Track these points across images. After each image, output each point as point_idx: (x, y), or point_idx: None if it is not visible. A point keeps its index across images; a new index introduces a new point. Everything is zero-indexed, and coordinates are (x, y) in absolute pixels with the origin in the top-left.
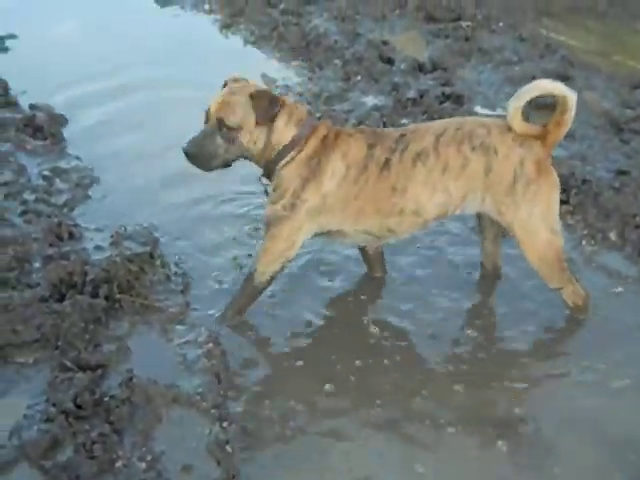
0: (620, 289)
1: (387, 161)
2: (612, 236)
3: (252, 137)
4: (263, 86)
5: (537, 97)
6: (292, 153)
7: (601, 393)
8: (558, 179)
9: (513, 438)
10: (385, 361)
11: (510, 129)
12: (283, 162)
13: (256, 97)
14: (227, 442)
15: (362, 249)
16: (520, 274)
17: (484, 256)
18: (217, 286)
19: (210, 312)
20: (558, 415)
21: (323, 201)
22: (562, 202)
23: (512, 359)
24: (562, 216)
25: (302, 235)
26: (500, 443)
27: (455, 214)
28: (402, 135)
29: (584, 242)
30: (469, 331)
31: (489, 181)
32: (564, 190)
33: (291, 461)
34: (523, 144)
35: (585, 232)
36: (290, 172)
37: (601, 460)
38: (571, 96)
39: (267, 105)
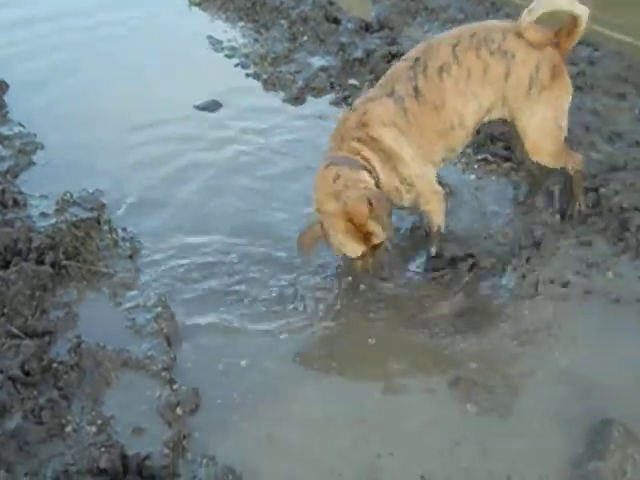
0: (561, 241)
1: (415, 88)
2: (556, 191)
3: None
4: None
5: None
6: None
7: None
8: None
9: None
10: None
11: (520, 34)
12: None
13: None
14: (178, 404)
15: None
16: None
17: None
18: (165, 251)
19: (158, 276)
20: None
21: (415, 159)
22: (506, 159)
23: None
24: (507, 173)
25: (434, 177)
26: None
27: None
28: (416, 59)
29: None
30: None
31: (508, 85)
32: (507, 148)
33: (241, 421)
34: (539, 47)
35: (529, 188)
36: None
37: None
38: (584, 14)
39: None
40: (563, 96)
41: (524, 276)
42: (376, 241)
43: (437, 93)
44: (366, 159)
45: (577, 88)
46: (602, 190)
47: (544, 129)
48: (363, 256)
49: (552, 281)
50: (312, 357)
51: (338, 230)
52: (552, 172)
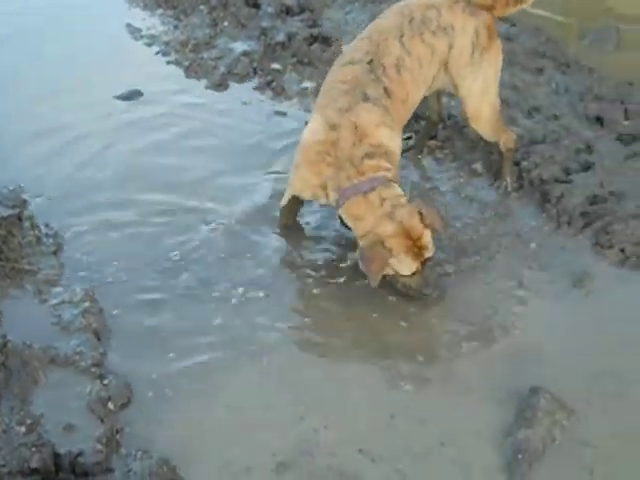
0: (486, 215)
1: (385, 89)
2: (477, 167)
3: None
4: None
5: None
6: None
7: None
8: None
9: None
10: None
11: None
12: None
13: None
14: (109, 399)
15: None
16: None
17: (430, 111)
18: (90, 245)
19: (84, 271)
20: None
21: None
22: (431, 137)
23: None
24: (431, 151)
25: None
26: None
27: None
28: (370, 61)
29: (453, 174)
30: None
31: (451, 57)
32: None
33: (174, 412)
34: (473, 13)
35: (454, 164)
36: None
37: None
38: None
39: None
40: (499, 55)
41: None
42: (428, 255)
43: (401, 88)
44: (387, 169)
45: None
46: (523, 163)
47: (485, 93)
48: (415, 273)
49: (477, 253)
50: (246, 342)
51: (400, 250)
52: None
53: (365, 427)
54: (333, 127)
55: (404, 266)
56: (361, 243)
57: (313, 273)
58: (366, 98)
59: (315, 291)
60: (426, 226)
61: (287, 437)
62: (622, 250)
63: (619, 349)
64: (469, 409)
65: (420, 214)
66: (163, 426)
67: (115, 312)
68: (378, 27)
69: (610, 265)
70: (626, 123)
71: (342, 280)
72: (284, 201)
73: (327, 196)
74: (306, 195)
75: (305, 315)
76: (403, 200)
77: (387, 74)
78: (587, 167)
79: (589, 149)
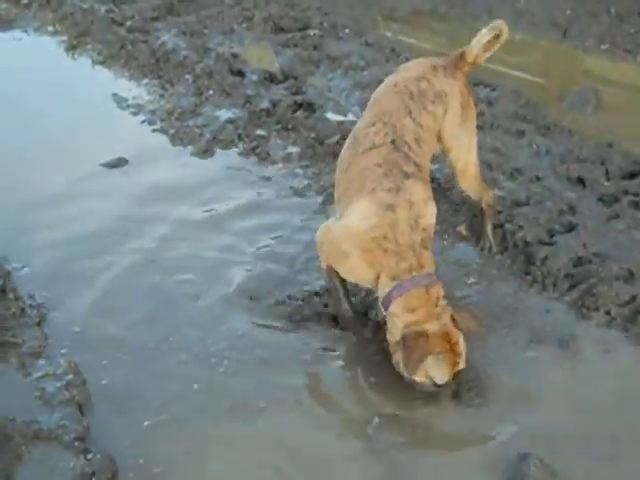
0: (472, 279)
1: (416, 164)
2: (462, 230)
3: None
4: None
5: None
6: None
7: None
8: None
9: None
10: None
11: (434, 67)
12: None
13: None
14: (93, 474)
15: None
16: None
17: None
18: (73, 315)
19: (68, 342)
20: None
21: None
22: None
23: None
24: None
25: None
26: None
27: None
28: (393, 141)
29: (438, 236)
30: None
31: (447, 120)
32: None
33: None
34: (454, 76)
35: (438, 227)
36: None
37: None
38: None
39: None
40: (474, 110)
41: None
42: (461, 365)
43: (424, 159)
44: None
45: (478, 128)
46: (507, 225)
47: (471, 148)
48: (443, 385)
49: None
50: (232, 409)
51: (441, 350)
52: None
53: None
54: (389, 208)
55: (439, 370)
56: (404, 331)
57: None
58: (407, 175)
59: None
60: (460, 330)
61: None
62: (607, 312)
63: (609, 411)
64: (459, 475)
65: (453, 319)
66: None
67: (99, 383)
68: (384, 109)
69: (596, 327)
70: (607, 184)
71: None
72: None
73: (376, 283)
74: (348, 279)
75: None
76: (445, 302)
77: (412, 149)
78: (570, 228)
79: (572, 210)
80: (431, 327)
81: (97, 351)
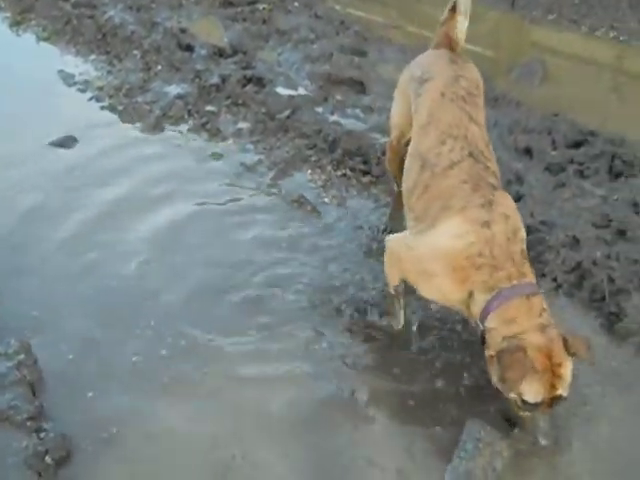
0: None
1: (493, 172)
2: None
3: None
4: None
5: None
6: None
7: None
8: None
9: None
10: None
11: (450, 59)
12: None
13: None
14: (46, 453)
15: None
16: None
17: None
18: (23, 297)
19: (19, 322)
20: None
21: None
22: (365, 173)
23: None
24: (366, 186)
25: None
26: None
27: None
28: (470, 154)
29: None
30: None
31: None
32: (365, 162)
33: (114, 462)
34: (462, 59)
35: (389, 200)
36: None
37: None
38: None
39: None
40: None
41: None
42: (561, 391)
43: (495, 163)
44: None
45: None
46: None
47: None
48: (538, 405)
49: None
50: (183, 389)
51: (539, 366)
52: None
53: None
54: (485, 225)
55: (532, 389)
56: (502, 345)
57: None
58: (494, 187)
59: None
60: (570, 354)
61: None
62: (554, 279)
63: None
64: (412, 441)
65: (565, 340)
66: (104, 477)
67: (52, 363)
68: (448, 124)
69: (544, 294)
70: (554, 153)
71: None
72: (391, 288)
73: (468, 302)
74: (430, 298)
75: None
76: (552, 320)
77: (486, 157)
78: (518, 198)
79: (519, 180)
80: (533, 339)
81: (49, 331)
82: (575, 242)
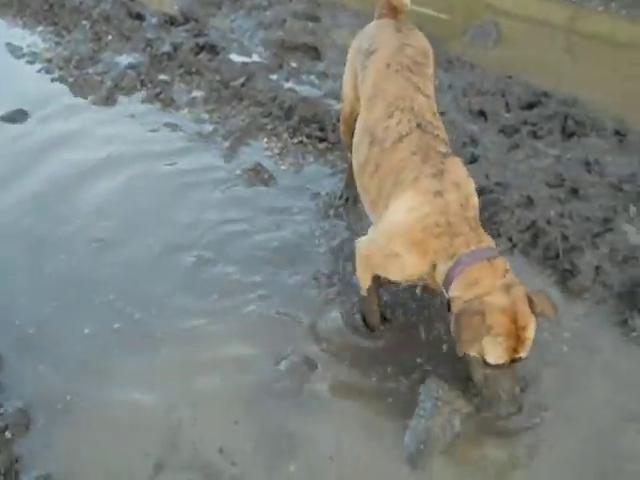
0: None
1: (443, 140)
2: None
3: None
4: None
5: None
6: None
7: None
8: None
9: None
10: None
11: (396, 28)
12: None
13: None
14: (6, 427)
15: None
16: None
17: None
18: None
19: None
20: None
21: None
22: (321, 139)
23: None
24: (322, 153)
25: None
26: None
27: None
28: (418, 125)
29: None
30: None
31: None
32: (321, 129)
33: (72, 436)
34: (407, 26)
35: (346, 165)
36: None
37: None
38: None
39: None
40: None
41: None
42: (523, 354)
43: (444, 131)
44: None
45: None
46: None
47: None
48: (500, 367)
49: None
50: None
51: (499, 331)
52: None
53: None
54: (438, 194)
55: (493, 351)
56: (462, 306)
57: None
58: (444, 155)
59: None
60: (535, 315)
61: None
62: (510, 238)
63: None
64: (371, 402)
65: (530, 301)
66: (62, 450)
67: (5, 338)
68: (394, 95)
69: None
70: (507, 115)
71: None
72: (364, 291)
73: (432, 273)
74: (403, 281)
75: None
76: (517, 280)
77: (435, 126)
78: (473, 160)
79: (474, 142)
80: (495, 301)
81: (1, 306)
82: (529, 202)
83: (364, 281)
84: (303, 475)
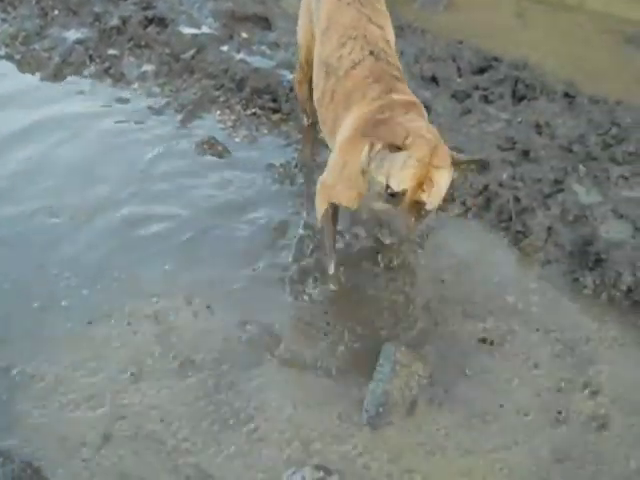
0: None
1: (397, 67)
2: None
3: None
4: None
5: None
6: None
7: None
8: None
9: None
10: None
11: None
12: None
13: None
14: None
15: None
16: None
17: None
18: None
19: None
20: None
21: None
22: (274, 110)
23: None
24: (276, 124)
25: None
26: None
27: None
28: (371, 52)
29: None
30: None
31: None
32: (274, 100)
33: (33, 413)
34: None
35: (300, 136)
36: None
37: None
38: None
39: None
40: None
41: None
42: (425, 197)
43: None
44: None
45: None
46: None
47: None
48: (400, 195)
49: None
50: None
51: (416, 152)
52: None
53: None
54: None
55: (400, 173)
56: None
57: None
58: (397, 79)
59: None
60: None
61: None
62: (463, 203)
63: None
64: (329, 366)
65: (452, 156)
66: (23, 428)
67: None
68: (346, 26)
69: (454, 217)
70: (459, 80)
71: None
72: (319, 221)
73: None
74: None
75: None
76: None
77: (388, 54)
78: None
79: (427, 108)
80: (421, 131)
81: None
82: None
83: (320, 207)
84: (257, 441)
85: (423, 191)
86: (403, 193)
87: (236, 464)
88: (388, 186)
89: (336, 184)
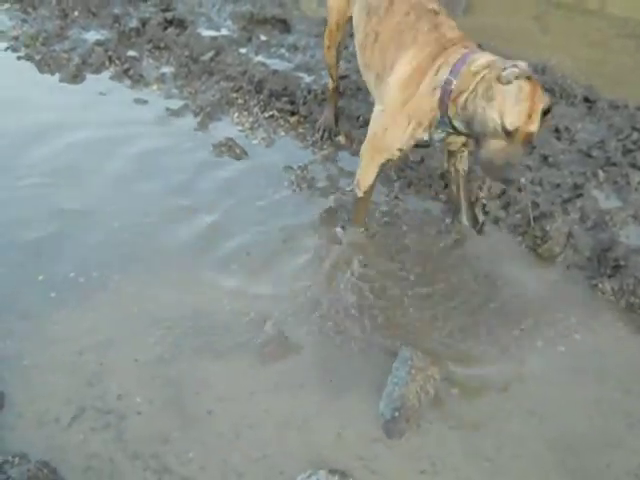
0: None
1: None
2: (341, 139)
3: None
4: None
5: None
6: None
7: None
8: None
9: None
10: None
11: None
12: None
13: None
14: None
15: None
16: None
17: None
18: None
19: None
20: None
21: None
22: (292, 113)
23: None
24: (293, 126)
25: None
26: None
27: None
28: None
29: (316, 148)
30: None
31: None
32: (292, 102)
33: (48, 413)
34: None
35: (315, 138)
36: None
37: None
38: None
39: None
40: None
41: None
42: (533, 127)
43: None
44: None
45: None
46: None
47: None
48: (515, 134)
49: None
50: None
51: (526, 94)
52: None
53: None
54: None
55: (512, 108)
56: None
57: None
58: (435, 12)
59: None
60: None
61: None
62: (482, 207)
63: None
64: (345, 369)
65: None
66: (39, 428)
67: None
68: None
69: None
70: None
71: None
72: (361, 192)
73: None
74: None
75: None
76: None
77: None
78: None
79: None
80: (525, 70)
81: None
82: None
83: (368, 175)
84: (272, 444)
85: (533, 123)
86: (517, 129)
87: (252, 467)
88: (502, 123)
89: (389, 126)
